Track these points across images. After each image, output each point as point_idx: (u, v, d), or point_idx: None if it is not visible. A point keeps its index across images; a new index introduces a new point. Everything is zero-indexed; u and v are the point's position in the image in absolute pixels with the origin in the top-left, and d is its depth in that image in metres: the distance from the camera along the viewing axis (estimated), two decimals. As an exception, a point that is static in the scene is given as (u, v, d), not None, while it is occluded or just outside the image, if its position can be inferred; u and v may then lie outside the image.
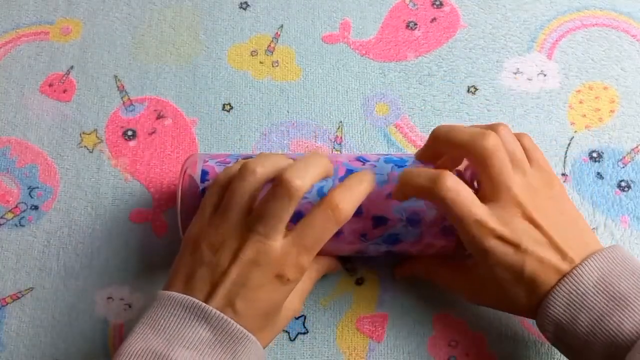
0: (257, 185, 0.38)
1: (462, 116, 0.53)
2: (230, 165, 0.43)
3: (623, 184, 0.51)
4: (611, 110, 0.53)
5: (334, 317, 0.47)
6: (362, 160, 0.44)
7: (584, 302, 0.37)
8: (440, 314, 0.47)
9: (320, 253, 0.41)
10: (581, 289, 0.37)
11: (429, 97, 0.54)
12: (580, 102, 0.54)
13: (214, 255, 0.38)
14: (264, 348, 0.40)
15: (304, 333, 0.47)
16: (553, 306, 0.38)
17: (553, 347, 0.45)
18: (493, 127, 0.40)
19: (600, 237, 0.49)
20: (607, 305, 0.37)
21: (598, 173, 0.51)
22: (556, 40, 0.56)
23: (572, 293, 0.37)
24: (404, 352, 0.46)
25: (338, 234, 0.41)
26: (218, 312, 0.37)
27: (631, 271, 0.38)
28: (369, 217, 0.42)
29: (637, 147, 0.52)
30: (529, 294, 0.39)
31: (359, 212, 0.41)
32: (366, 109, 0.54)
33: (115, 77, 0.55)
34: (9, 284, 0.48)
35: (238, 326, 0.37)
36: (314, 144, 0.52)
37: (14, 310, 0.48)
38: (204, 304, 0.37)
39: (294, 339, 0.47)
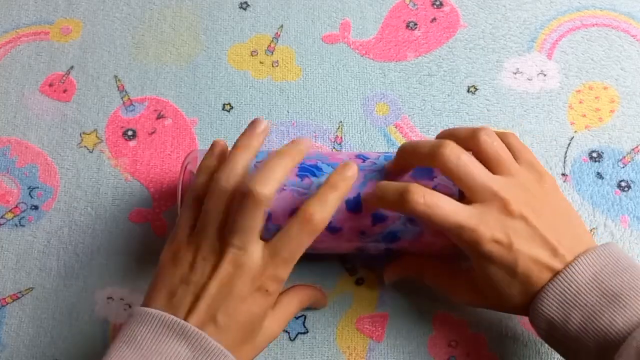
0: (226, 199, 0.39)
1: (462, 116, 0.53)
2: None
3: (623, 184, 0.51)
4: (611, 110, 0.53)
5: (334, 317, 0.47)
6: (362, 157, 0.44)
7: (577, 299, 0.37)
8: (440, 314, 0.47)
9: (321, 250, 0.41)
10: (574, 287, 0.37)
11: (429, 97, 0.54)
12: (580, 102, 0.54)
13: (194, 272, 0.39)
14: None
15: (304, 333, 0.47)
16: (546, 304, 0.38)
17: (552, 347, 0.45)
18: (474, 133, 0.41)
19: (600, 237, 0.49)
20: (599, 302, 0.37)
21: (598, 173, 0.51)
22: (556, 40, 0.56)
23: (565, 291, 0.38)
24: (404, 352, 0.46)
25: (337, 231, 0.42)
26: (197, 329, 0.37)
27: (624, 268, 0.38)
28: (367, 215, 0.42)
29: (637, 147, 0.52)
30: (522, 292, 0.39)
31: (358, 210, 0.42)
32: (366, 109, 0.54)
33: (115, 77, 0.55)
34: (9, 284, 0.48)
35: (217, 344, 0.37)
36: (314, 143, 0.52)
37: (14, 310, 0.48)
38: (182, 321, 0.37)
39: (294, 339, 0.47)
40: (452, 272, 0.44)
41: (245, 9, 0.58)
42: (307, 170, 0.43)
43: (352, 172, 0.39)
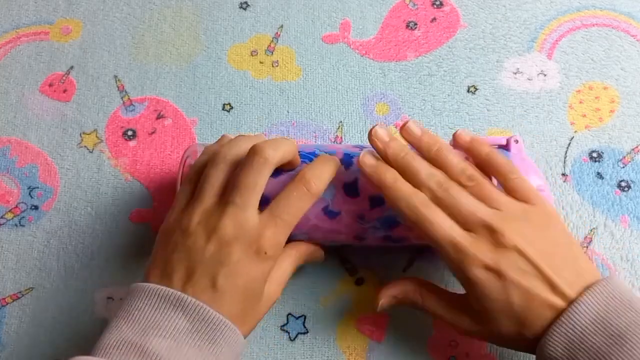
0: (228, 169, 0.39)
1: (462, 116, 0.53)
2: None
3: (623, 184, 0.51)
4: (611, 110, 0.53)
5: (334, 317, 0.47)
6: (360, 147, 0.45)
7: (583, 342, 0.36)
8: (440, 314, 0.47)
9: (319, 241, 0.41)
10: (579, 329, 0.36)
11: (429, 97, 0.54)
12: (580, 102, 0.54)
13: (189, 238, 0.38)
14: (245, 336, 0.39)
15: (304, 333, 0.47)
16: (551, 347, 0.37)
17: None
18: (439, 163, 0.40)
19: (600, 237, 0.49)
20: (605, 344, 0.36)
21: (598, 173, 0.51)
22: (556, 40, 0.56)
23: (569, 333, 0.36)
24: (404, 352, 0.46)
25: (336, 215, 0.42)
26: (194, 299, 0.36)
27: (628, 306, 0.37)
28: (365, 198, 0.42)
29: (637, 147, 0.52)
30: (521, 329, 0.38)
31: (355, 194, 0.42)
32: (366, 108, 0.54)
33: (115, 77, 0.55)
34: (9, 284, 0.48)
35: (216, 313, 0.36)
36: (314, 144, 0.52)
37: (14, 310, 0.48)
38: (178, 292, 0.37)
39: (294, 339, 0.47)
40: (455, 298, 0.41)
41: (245, 9, 0.58)
42: (305, 157, 0.43)
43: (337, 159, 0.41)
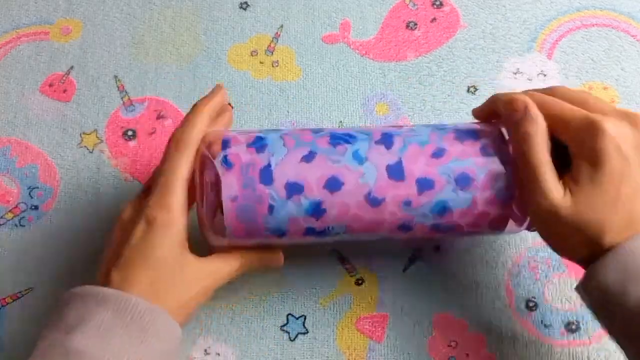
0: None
1: (462, 116, 0.53)
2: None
3: (623, 184, 0.51)
4: (611, 111, 0.53)
5: (334, 317, 0.47)
6: (397, 126, 0.42)
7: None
8: (440, 314, 0.47)
9: (363, 235, 0.39)
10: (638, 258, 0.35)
11: (429, 97, 0.54)
12: (580, 102, 0.54)
13: (112, 236, 0.41)
14: (181, 325, 0.38)
15: (304, 333, 0.47)
16: (606, 270, 0.35)
17: (553, 347, 0.45)
18: (551, 88, 0.40)
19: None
20: None
21: (598, 173, 0.51)
22: (556, 40, 0.56)
23: (628, 260, 0.35)
24: (404, 352, 0.46)
25: (379, 203, 0.38)
26: (106, 288, 0.36)
27: None
28: (412, 181, 0.38)
29: (637, 147, 0.52)
30: (602, 231, 0.36)
31: (400, 177, 0.38)
32: (366, 109, 0.54)
33: (115, 77, 0.55)
34: (9, 284, 0.48)
35: (137, 298, 0.36)
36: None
37: (14, 310, 0.48)
38: (94, 287, 0.37)
39: (294, 339, 0.47)
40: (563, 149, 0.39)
41: (245, 9, 0.58)
42: (340, 138, 0.39)
43: (219, 89, 0.43)
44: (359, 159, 0.38)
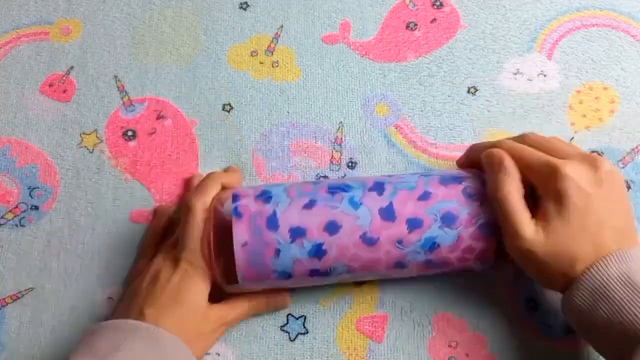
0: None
1: (462, 117, 0.53)
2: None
3: (623, 184, 0.51)
4: (611, 111, 0.53)
5: (334, 317, 0.47)
6: (387, 175, 0.46)
7: (606, 292, 0.39)
8: (440, 314, 0.47)
9: (362, 275, 0.43)
10: (605, 279, 0.39)
11: (429, 98, 0.54)
12: (581, 103, 0.54)
13: (146, 281, 0.44)
14: (198, 357, 0.42)
15: (304, 333, 0.47)
16: (579, 293, 0.40)
17: (552, 348, 0.45)
18: (521, 135, 0.45)
19: (600, 237, 0.49)
20: (627, 297, 0.38)
21: (598, 173, 0.51)
22: (556, 41, 0.56)
23: (596, 282, 0.39)
24: (404, 352, 0.46)
25: (374, 242, 0.42)
26: (147, 324, 0.40)
27: None
28: (402, 221, 0.42)
29: (637, 147, 0.52)
30: (574, 262, 0.40)
31: (392, 218, 0.42)
32: (366, 109, 0.54)
33: (115, 77, 0.55)
34: (9, 284, 0.48)
35: (157, 328, 0.40)
36: (314, 144, 0.53)
37: (14, 310, 0.48)
38: (132, 320, 0.40)
39: (294, 339, 0.47)
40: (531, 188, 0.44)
41: (245, 9, 0.58)
42: (337, 187, 0.43)
43: (235, 168, 0.51)
44: (355, 204, 0.42)
